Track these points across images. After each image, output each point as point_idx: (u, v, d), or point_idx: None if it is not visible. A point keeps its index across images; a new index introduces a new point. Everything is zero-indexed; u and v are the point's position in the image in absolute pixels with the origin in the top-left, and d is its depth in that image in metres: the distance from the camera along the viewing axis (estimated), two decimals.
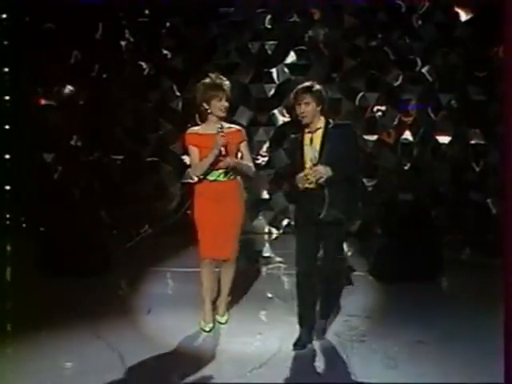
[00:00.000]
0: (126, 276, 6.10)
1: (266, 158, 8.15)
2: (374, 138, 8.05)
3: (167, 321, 4.82)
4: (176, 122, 8.08)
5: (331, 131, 4.11)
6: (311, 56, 8.10)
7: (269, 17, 8.12)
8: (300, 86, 4.17)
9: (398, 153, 8.06)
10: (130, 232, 7.78)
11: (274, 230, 8.25)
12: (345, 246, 5.75)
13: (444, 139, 8.02)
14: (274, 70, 8.14)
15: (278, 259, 6.85)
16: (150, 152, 8.28)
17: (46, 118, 8.25)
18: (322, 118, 4.17)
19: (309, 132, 4.15)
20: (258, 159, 7.95)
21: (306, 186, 4.05)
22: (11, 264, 6.93)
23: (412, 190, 7.91)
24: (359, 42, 8.06)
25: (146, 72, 8.23)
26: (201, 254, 4.53)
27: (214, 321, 4.67)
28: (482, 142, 7.92)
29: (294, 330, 4.32)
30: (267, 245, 7.75)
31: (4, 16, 8.02)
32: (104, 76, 8.23)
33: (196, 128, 4.60)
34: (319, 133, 4.13)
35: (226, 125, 4.50)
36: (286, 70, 8.13)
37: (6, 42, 8.07)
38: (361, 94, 8.04)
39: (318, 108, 4.12)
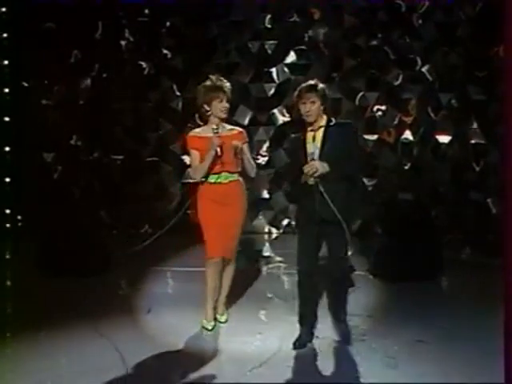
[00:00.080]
0: (126, 276, 6.09)
1: (266, 158, 8.15)
2: (374, 137, 8.04)
3: (167, 320, 4.83)
4: (176, 122, 8.10)
5: (332, 129, 4.13)
6: (311, 56, 8.10)
7: (269, 16, 8.11)
8: (304, 85, 4.16)
9: (398, 152, 8.06)
10: (129, 232, 7.78)
11: (274, 230, 8.25)
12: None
13: (444, 139, 8.01)
14: (273, 70, 8.13)
15: (278, 259, 6.84)
16: (150, 152, 8.27)
17: (46, 118, 8.25)
18: (325, 117, 4.18)
19: (311, 130, 4.15)
20: (258, 159, 7.95)
21: (306, 180, 4.06)
22: (11, 264, 6.93)
23: (412, 190, 7.91)
24: (359, 41, 8.05)
25: (146, 72, 8.22)
26: (208, 253, 4.52)
27: (216, 319, 4.68)
28: (482, 142, 7.92)
29: (294, 330, 4.32)
30: (267, 244, 7.75)
31: (3, 10, 7.98)
32: (104, 76, 8.22)
33: (197, 130, 4.60)
34: (321, 131, 4.14)
35: (228, 126, 4.54)
36: (285, 69, 8.12)
37: (5, 35, 8.01)
38: (361, 94, 8.03)
39: (322, 106, 4.13)
